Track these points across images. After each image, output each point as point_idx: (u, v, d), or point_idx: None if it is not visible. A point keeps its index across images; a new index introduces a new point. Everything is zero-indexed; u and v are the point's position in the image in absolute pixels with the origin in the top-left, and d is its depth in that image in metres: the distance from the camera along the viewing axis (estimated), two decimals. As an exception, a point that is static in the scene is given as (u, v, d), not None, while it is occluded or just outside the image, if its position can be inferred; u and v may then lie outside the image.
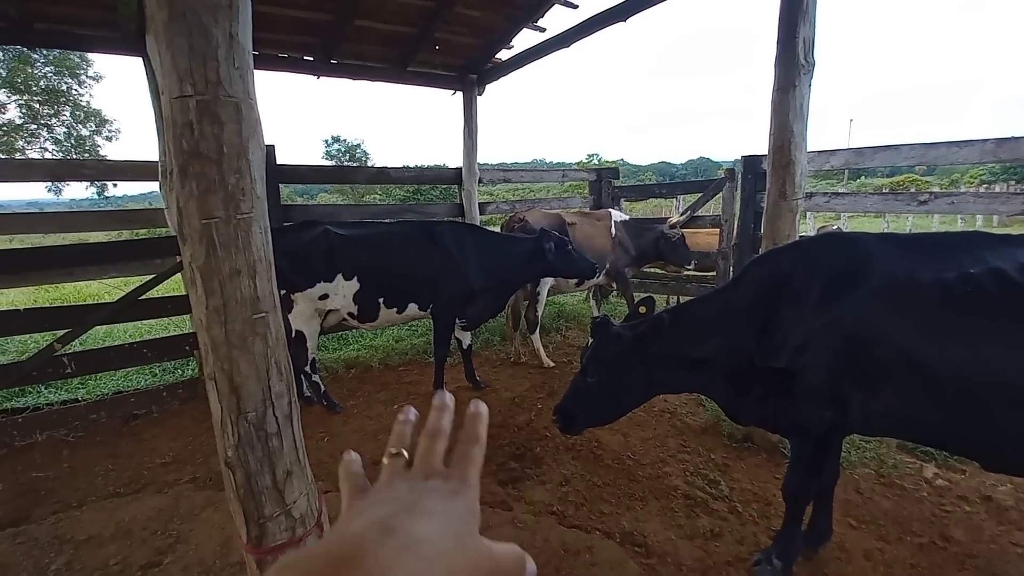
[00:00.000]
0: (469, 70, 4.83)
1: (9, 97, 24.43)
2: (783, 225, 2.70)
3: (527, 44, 4.36)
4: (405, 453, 0.42)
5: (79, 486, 2.67)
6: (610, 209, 5.15)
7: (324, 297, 3.29)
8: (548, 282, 4.24)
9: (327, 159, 32.68)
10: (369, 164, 30.87)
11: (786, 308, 1.70)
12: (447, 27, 4.09)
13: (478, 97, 4.96)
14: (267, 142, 4.07)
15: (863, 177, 30.17)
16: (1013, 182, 24.26)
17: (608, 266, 4.67)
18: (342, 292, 3.31)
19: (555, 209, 5.37)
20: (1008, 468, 1.59)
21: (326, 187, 25.38)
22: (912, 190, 18.70)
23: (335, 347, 4.85)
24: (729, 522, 2.28)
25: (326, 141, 33.86)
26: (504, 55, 4.63)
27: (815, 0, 2.54)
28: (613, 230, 4.78)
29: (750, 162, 4.46)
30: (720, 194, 5.20)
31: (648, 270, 5.76)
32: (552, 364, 4.30)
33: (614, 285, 5.10)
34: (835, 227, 7.39)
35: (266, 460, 1.25)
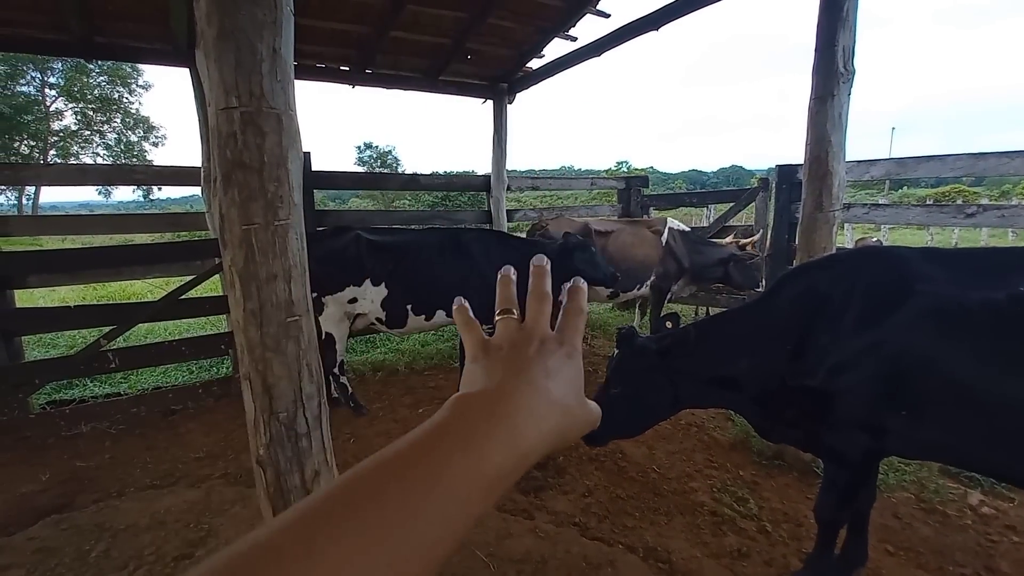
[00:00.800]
0: (500, 79, 4.89)
1: (66, 105, 25.99)
2: (819, 238, 2.62)
3: (558, 53, 4.39)
4: (515, 313, 0.46)
5: (119, 476, 2.79)
6: (669, 217, 4.81)
7: (353, 301, 3.37)
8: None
9: (359, 165, 33.45)
10: (400, 170, 31.47)
11: (822, 327, 1.64)
12: (479, 38, 4.15)
13: (508, 105, 5.01)
14: (304, 149, 4.24)
15: (906, 187, 29.05)
16: (1071, 194, 22.91)
17: (653, 277, 4.45)
18: (370, 297, 3.37)
19: (583, 217, 5.33)
20: None
21: (357, 192, 25.97)
22: (959, 202, 17.90)
23: (363, 349, 4.94)
24: (758, 542, 2.21)
25: (358, 147, 34.75)
26: (535, 64, 4.67)
27: (856, 6, 2.48)
28: (665, 238, 4.51)
29: (785, 171, 4.36)
30: (753, 204, 5.09)
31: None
32: (577, 373, 4.27)
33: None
34: (875, 239, 7.13)
35: (295, 460, 1.28)
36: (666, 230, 4.56)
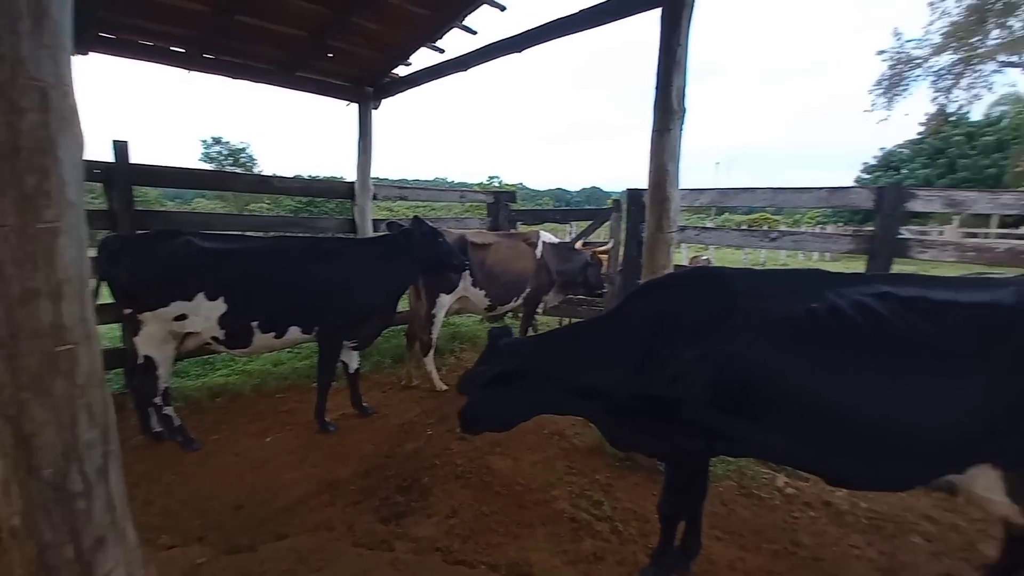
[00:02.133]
0: (365, 82, 4.67)
1: None
2: (659, 256, 2.90)
3: (426, 63, 4.32)
4: None
5: None
6: (540, 231, 4.96)
7: (181, 318, 2.88)
8: (444, 304, 4.13)
9: (206, 161, 29.70)
10: (256, 170, 28.56)
11: (661, 340, 1.79)
12: (342, 37, 3.92)
13: (374, 111, 4.80)
14: (123, 138, 3.56)
15: (727, 213, 34.28)
16: (841, 223, 29.12)
17: (529, 289, 4.55)
18: (204, 314, 2.91)
19: (454, 229, 5.27)
20: (852, 486, 1.80)
21: (205, 193, 22.91)
22: (765, 228, 21.69)
23: (198, 373, 4.29)
24: (611, 544, 2.31)
25: (205, 142, 30.84)
26: (402, 71, 4.55)
27: (687, 54, 2.81)
28: (539, 253, 4.64)
29: (634, 195, 4.79)
30: (608, 222, 5.52)
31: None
32: (445, 387, 4.18)
33: (540, 310, 4.98)
34: (704, 258, 8.24)
35: (66, 527, 1.00)
36: (540, 243, 4.73)
